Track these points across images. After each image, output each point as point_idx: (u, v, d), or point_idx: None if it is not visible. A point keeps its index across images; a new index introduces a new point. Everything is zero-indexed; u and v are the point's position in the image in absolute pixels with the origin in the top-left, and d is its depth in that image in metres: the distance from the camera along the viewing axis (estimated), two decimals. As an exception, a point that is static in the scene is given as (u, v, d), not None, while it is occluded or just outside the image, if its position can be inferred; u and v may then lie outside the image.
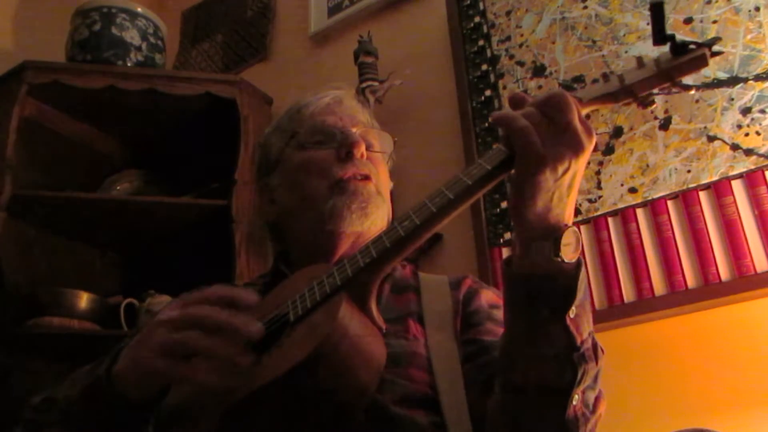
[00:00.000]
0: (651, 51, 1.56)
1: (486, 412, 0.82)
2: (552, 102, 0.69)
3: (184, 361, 0.70)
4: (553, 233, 0.70)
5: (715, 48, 0.68)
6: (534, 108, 0.70)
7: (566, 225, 0.71)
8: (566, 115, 0.68)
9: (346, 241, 1.01)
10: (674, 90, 0.73)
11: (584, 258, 0.80)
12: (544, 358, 0.73)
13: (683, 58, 0.69)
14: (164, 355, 0.70)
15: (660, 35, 0.69)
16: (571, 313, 0.71)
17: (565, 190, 0.70)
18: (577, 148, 0.68)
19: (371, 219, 1.00)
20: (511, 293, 0.76)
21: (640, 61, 0.71)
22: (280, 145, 1.10)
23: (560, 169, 0.68)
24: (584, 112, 0.72)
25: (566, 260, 0.70)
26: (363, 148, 1.03)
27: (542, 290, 0.71)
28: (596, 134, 0.72)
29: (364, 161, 1.03)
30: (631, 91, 0.71)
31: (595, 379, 0.76)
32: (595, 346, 0.75)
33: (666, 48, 0.70)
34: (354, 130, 1.05)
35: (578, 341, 0.72)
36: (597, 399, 0.78)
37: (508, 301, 0.77)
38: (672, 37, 0.68)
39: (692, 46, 0.68)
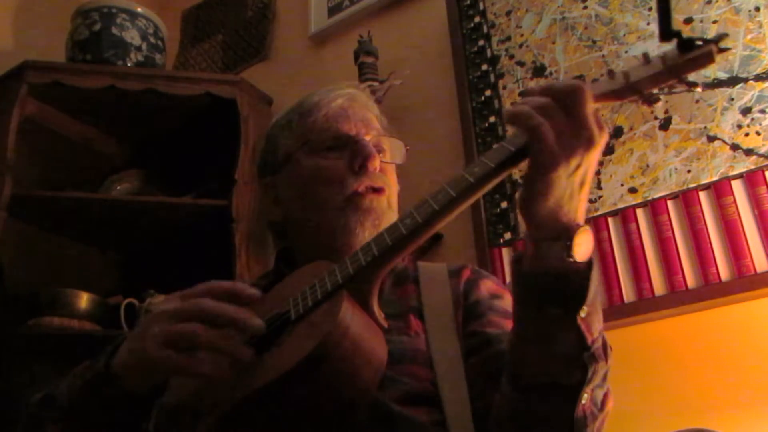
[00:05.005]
0: (651, 51, 1.56)
1: (490, 408, 0.82)
2: (570, 92, 0.67)
3: (185, 352, 0.70)
4: (566, 233, 0.70)
5: (723, 44, 0.67)
6: (549, 98, 0.68)
7: (578, 224, 0.70)
8: (584, 107, 0.67)
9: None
10: (679, 88, 0.70)
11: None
12: (555, 357, 0.72)
13: (690, 55, 0.67)
14: (166, 346, 0.70)
15: (666, 31, 0.67)
16: (582, 312, 0.70)
17: (577, 187, 0.69)
18: (589, 143, 0.67)
19: None
20: (521, 292, 0.75)
21: (646, 57, 0.69)
22: (289, 146, 1.07)
23: (573, 165, 0.67)
24: None
25: (579, 260, 0.70)
26: (378, 161, 1.01)
27: (554, 290, 0.71)
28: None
29: (378, 173, 1.01)
30: (637, 88, 0.70)
31: (604, 377, 0.76)
32: (605, 344, 0.74)
33: (671, 45, 0.68)
34: (368, 138, 1.03)
35: (589, 341, 0.71)
36: (605, 396, 0.78)
37: (518, 300, 0.76)
38: (678, 34, 0.67)
39: (699, 42, 0.66)
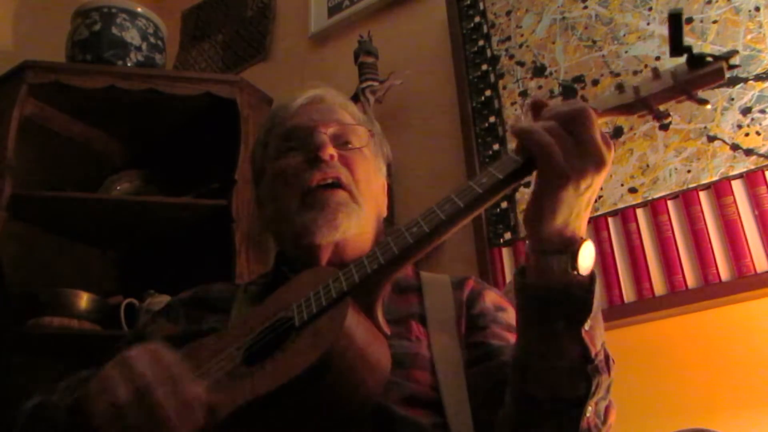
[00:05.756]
0: (651, 51, 1.56)
1: (490, 420, 0.82)
2: (574, 117, 0.67)
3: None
4: (570, 246, 0.70)
5: (732, 61, 0.66)
6: (555, 121, 0.68)
7: (581, 238, 0.71)
8: (589, 130, 0.67)
9: (326, 250, 1.00)
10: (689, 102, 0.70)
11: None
12: (558, 370, 0.72)
13: (700, 71, 0.66)
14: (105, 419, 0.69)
15: (677, 46, 0.67)
16: (586, 325, 0.70)
17: (584, 206, 0.70)
18: (599, 164, 0.67)
19: (341, 229, 0.98)
20: (524, 304, 0.75)
21: (655, 72, 0.69)
22: (260, 155, 1.10)
23: (583, 186, 0.68)
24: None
25: (582, 273, 0.70)
26: (329, 149, 1.00)
27: (558, 303, 0.71)
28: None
29: (334, 163, 1.00)
30: (647, 103, 0.69)
31: (607, 390, 0.76)
32: (607, 357, 0.75)
33: (681, 59, 0.68)
34: (324, 129, 1.02)
35: (592, 353, 0.71)
36: (608, 409, 0.78)
37: (521, 312, 0.76)
38: (689, 49, 0.66)
39: (709, 59, 0.66)
